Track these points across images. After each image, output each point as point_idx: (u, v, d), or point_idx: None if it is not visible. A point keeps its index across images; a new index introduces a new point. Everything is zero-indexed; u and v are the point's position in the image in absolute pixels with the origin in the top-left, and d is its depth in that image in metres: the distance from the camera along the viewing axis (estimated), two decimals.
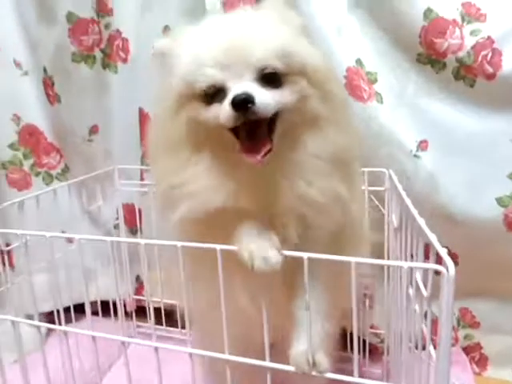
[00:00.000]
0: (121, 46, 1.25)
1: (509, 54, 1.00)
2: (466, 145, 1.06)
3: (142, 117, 1.24)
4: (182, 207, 0.67)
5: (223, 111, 0.61)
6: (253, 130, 0.62)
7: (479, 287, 1.17)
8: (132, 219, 1.32)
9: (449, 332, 0.53)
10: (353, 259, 0.58)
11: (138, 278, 1.41)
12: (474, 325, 1.20)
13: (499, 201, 1.05)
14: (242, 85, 0.61)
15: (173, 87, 0.67)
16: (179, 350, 0.74)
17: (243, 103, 0.59)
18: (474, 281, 1.16)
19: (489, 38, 1.00)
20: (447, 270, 0.52)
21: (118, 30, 1.24)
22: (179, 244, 0.68)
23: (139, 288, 1.41)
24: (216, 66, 0.62)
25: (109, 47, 1.27)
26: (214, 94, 0.63)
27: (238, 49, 0.62)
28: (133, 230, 1.35)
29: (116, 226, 1.35)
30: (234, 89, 0.61)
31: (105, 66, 1.30)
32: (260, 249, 0.62)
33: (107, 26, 1.27)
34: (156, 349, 0.74)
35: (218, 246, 0.65)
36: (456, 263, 1.21)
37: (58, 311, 0.87)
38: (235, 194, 0.65)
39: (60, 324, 0.86)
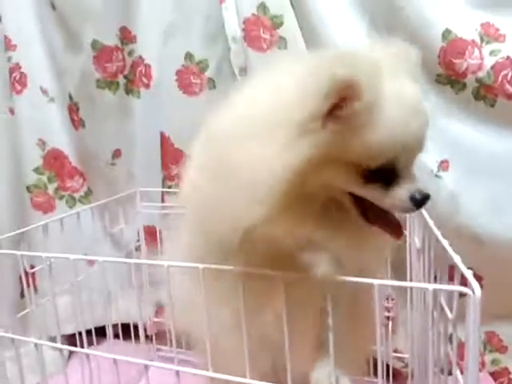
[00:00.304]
0: (144, 72, 1.28)
1: None
2: (488, 165, 1.05)
3: (164, 140, 1.27)
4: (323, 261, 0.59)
5: (395, 198, 0.58)
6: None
7: (506, 310, 1.14)
8: (153, 241, 1.34)
9: (476, 356, 0.52)
10: (376, 281, 0.58)
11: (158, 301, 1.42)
12: (502, 349, 1.17)
13: None
14: (413, 180, 0.60)
15: (354, 143, 0.55)
16: (201, 373, 0.74)
17: (426, 202, 0.59)
18: (501, 303, 1.14)
19: (508, 57, 1.00)
20: (473, 292, 0.51)
21: (141, 57, 1.28)
22: (201, 266, 0.68)
23: (159, 311, 1.41)
24: (406, 149, 0.58)
25: (132, 73, 1.31)
26: (379, 173, 0.58)
27: (423, 140, 0.60)
28: (154, 252, 1.36)
29: (138, 248, 1.37)
30: (409, 181, 0.59)
31: (128, 91, 1.33)
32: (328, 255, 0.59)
33: (130, 53, 1.30)
34: (177, 372, 0.74)
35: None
36: (481, 285, 1.19)
37: (80, 334, 0.88)
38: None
39: (82, 346, 0.86)
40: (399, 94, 0.57)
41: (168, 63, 1.23)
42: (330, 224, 0.60)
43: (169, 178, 1.30)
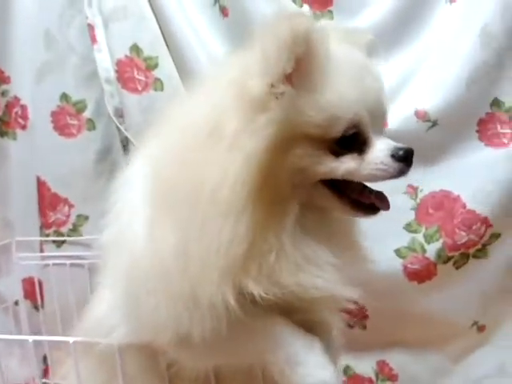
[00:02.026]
0: (20, 113, 1.23)
1: (392, 112, 1.05)
2: None
3: (40, 185, 1.20)
4: (263, 281, 0.50)
5: (374, 162, 0.53)
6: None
7: (393, 339, 1.17)
8: (34, 294, 1.24)
9: None
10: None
11: (45, 359, 1.31)
12: (393, 377, 1.19)
13: (398, 252, 1.08)
14: (388, 140, 0.55)
15: (298, 109, 0.50)
16: None
17: (410, 156, 0.54)
18: (387, 332, 1.17)
19: None
20: None
21: (16, 97, 1.23)
22: (71, 340, 0.62)
23: (47, 369, 1.30)
24: (367, 110, 0.53)
25: (7, 115, 1.25)
26: (346, 142, 0.53)
27: (383, 103, 0.57)
28: (36, 306, 1.26)
29: (17, 303, 1.26)
30: (383, 142, 0.54)
31: (2, 133, 1.26)
32: (316, 366, 0.52)
33: (4, 94, 1.24)
34: None
35: None
36: (365, 316, 1.22)
37: None
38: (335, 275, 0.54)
39: None
40: (348, 56, 0.55)
41: (42, 104, 1.19)
42: (320, 237, 0.55)
43: (46, 226, 1.23)
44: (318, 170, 0.53)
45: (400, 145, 0.55)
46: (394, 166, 0.54)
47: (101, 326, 0.61)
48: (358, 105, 0.53)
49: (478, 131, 1.04)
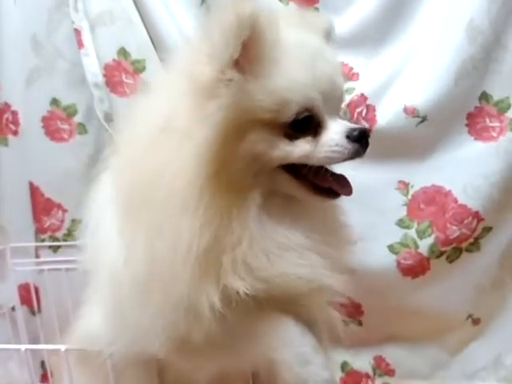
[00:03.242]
0: (11, 118, 1.23)
1: (381, 109, 1.05)
2: (354, 196, 1.08)
3: (33, 191, 1.20)
4: (242, 275, 0.50)
5: (329, 144, 0.53)
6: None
7: (389, 334, 1.18)
8: (31, 300, 1.25)
9: None
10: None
11: (43, 364, 1.32)
12: (390, 372, 1.19)
13: (391, 248, 1.08)
14: (343, 122, 0.55)
15: (248, 91, 0.50)
16: None
17: (366, 136, 0.53)
18: (383, 328, 1.18)
19: (362, 95, 1.06)
20: None
21: (6, 103, 1.22)
22: (63, 348, 0.62)
23: (45, 375, 1.30)
24: (319, 93, 0.53)
25: None
26: (299, 125, 0.53)
27: (338, 86, 0.56)
28: (33, 311, 1.27)
29: (14, 308, 1.26)
30: (338, 124, 0.54)
31: None
32: (322, 366, 0.53)
33: None
34: None
35: None
36: (361, 312, 1.22)
37: None
38: (318, 262, 0.54)
39: None
40: (300, 40, 0.55)
41: (33, 109, 1.19)
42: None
43: (41, 231, 1.23)
44: (274, 154, 0.53)
45: (355, 125, 0.56)
46: (349, 146, 0.54)
47: (92, 339, 0.61)
48: (310, 88, 0.52)
49: (467, 125, 1.04)
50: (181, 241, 0.48)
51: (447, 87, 1.00)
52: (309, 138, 0.54)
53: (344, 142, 0.54)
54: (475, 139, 1.04)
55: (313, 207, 0.58)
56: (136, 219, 0.51)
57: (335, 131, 0.54)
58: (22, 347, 0.69)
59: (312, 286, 0.53)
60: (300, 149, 0.53)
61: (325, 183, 0.56)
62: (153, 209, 0.50)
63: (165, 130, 0.51)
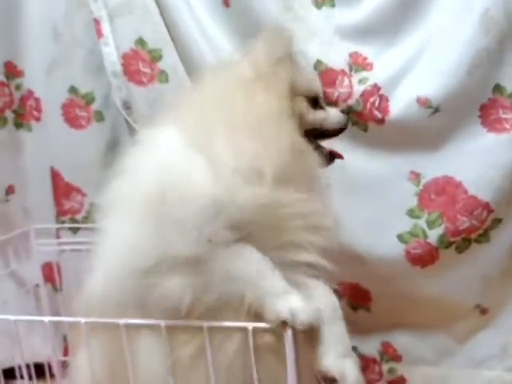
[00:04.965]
0: (34, 105, 1.27)
1: (394, 99, 1.06)
2: (366, 186, 1.10)
3: (54, 175, 1.25)
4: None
5: (332, 115, 0.81)
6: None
7: (397, 321, 1.20)
8: (53, 277, 1.31)
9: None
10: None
11: (64, 338, 1.38)
12: (397, 358, 1.22)
13: (400, 238, 1.09)
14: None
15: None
16: None
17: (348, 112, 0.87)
18: (391, 315, 1.20)
19: (375, 85, 1.06)
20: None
21: (30, 91, 1.27)
22: (82, 320, 0.67)
23: (67, 348, 1.37)
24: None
25: (21, 107, 1.29)
26: (315, 102, 0.79)
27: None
28: (55, 288, 1.33)
29: (37, 285, 1.33)
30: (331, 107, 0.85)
31: (18, 125, 1.30)
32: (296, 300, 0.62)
33: (18, 87, 1.28)
34: None
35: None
36: (369, 299, 1.24)
37: None
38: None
39: None
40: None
41: (53, 97, 1.22)
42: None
43: (62, 214, 1.28)
44: (308, 116, 0.78)
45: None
46: (345, 118, 0.84)
47: (95, 293, 0.68)
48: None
49: (480, 117, 1.04)
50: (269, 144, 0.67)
51: (461, 78, 1.00)
52: (320, 111, 0.80)
53: (342, 115, 0.84)
54: (488, 131, 1.04)
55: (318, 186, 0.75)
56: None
57: (333, 109, 0.84)
58: (46, 319, 0.73)
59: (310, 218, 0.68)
60: (319, 115, 0.80)
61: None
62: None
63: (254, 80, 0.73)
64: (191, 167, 0.64)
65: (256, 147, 0.65)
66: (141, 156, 0.71)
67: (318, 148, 0.80)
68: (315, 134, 0.80)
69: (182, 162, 0.65)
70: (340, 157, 0.85)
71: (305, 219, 0.67)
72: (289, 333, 0.58)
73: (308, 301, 0.62)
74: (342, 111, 0.84)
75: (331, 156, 0.83)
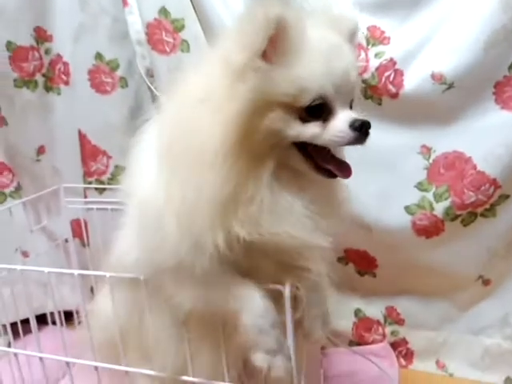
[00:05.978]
0: (62, 69, 1.32)
1: (409, 74, 1.07)
2: (377, 158, 1.12)
3: (81, 138, 1.31)
4: (246, 226, 0.61)
5: (334, 130, 0.62)
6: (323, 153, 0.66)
7: (401, 287, 1.25)
8: (81, 233, 1.40)
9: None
10: None
11: (92, 290, 1.48)
12: (400, 321, 1.28)
13: (407, 209, 1.13)
14: (350, 112, 0.65)
15: (272, 79, 0.60)
16: (117, 368, 0.79)
17: (366, 127, 0.62)
18: (396, 281, 1.25)
19: (391, 59, 1.07)
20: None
21: (58, 55, 1.31)
22: (108, 275, 0.74)
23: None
24: (332, 85, 0.62)
25: (51, 71, 1.34)
26: (313, 110, 0.62)
27: (350, 80, 0.65)
28: (83, 244, 1.42)
29: (67, 240, 1.42)
30: (345, 113, 0.63)
31: (48, 89, 1.35)
32: (272, 341, 0.64)
33: (47, 52, 1.32)
34: (96, 368, 0.80)
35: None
36: (375, 266, 1.29)
37: (22, 321, 0.92)
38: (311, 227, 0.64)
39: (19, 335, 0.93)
40: (322, 38, 0.64)
41: (80, 63, 1.27)
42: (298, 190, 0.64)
43: (88, 174, 1.35)
44: (288, 132, 0.62)
45: (359, 117, 0.64)
46: (351, 134, 0.63)
47: (123, 258, 0.74)
48: (324, 80, 0.62)
49: (494, 93, 1.05)
50: (206, 190, 0.60)
51: (476, 55, 1.00)
52: (319, 123, 0.63)
53: (347, 129, 0.63)
54: (501, 108, 1.05)
55: (317, 182, 0.67)
56: (173, 165, 0.63)
57: (341, 119, 0.63)
58: (75, 272, 0.80)
59: (302, 243, 0.63)
60: (310, 130, 0.63)
61: (326, 164, 0.66)
62: (187, 161, 0.62)
63: (203, 101, 0.62)
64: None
65: (191, 195, 0.60)
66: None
67: (312, 164, 0.66)
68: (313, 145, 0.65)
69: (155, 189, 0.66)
70: (343, 175, 0.67)
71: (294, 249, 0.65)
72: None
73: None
74: (353, 125, 0.63)
75: (330, 174, 0.66)
